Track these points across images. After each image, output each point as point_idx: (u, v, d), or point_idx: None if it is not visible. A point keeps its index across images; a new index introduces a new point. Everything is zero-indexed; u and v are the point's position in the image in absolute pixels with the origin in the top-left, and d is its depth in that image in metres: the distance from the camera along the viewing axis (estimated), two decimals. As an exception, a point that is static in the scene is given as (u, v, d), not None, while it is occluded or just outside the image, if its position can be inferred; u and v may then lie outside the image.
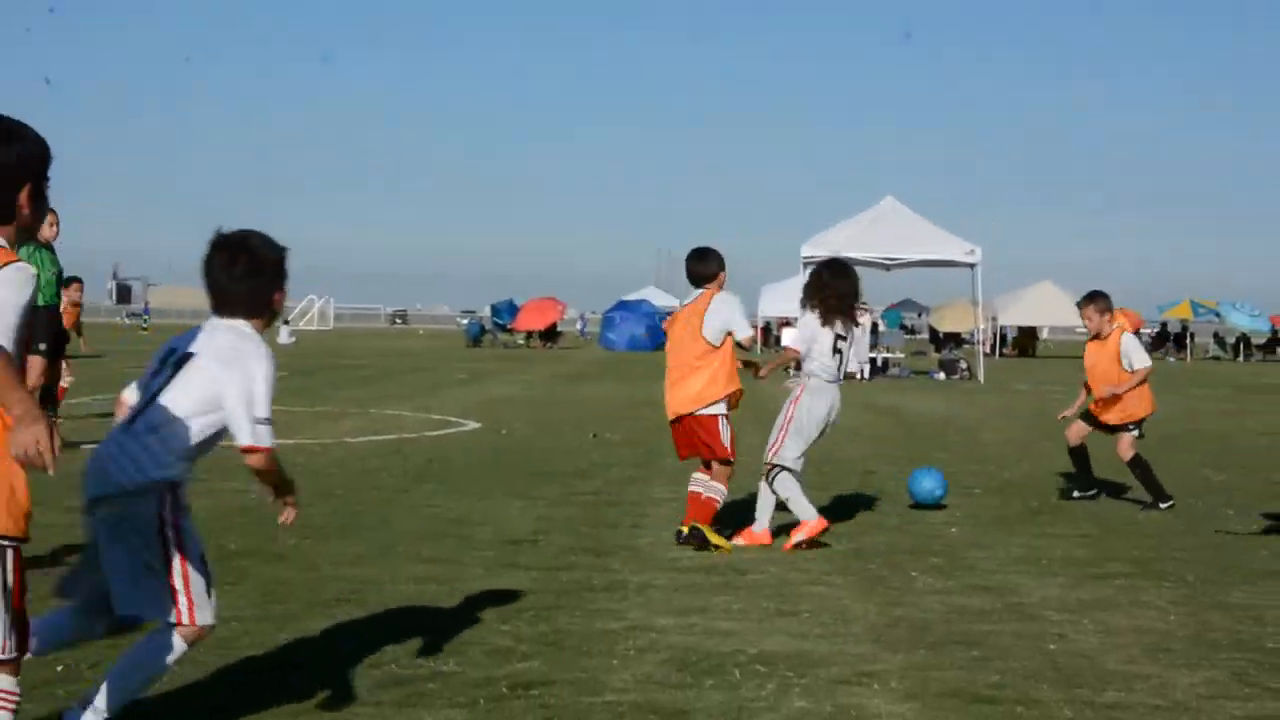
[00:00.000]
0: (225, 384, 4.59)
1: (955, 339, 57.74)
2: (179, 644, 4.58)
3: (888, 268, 36.80)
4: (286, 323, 62.53)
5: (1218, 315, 61.38)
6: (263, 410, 4.59)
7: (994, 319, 59.50)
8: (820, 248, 35.61)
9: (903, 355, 43.53)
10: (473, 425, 18.12)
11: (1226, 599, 7.75)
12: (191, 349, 4.69)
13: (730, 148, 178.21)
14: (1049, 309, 60.55)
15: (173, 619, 4.55)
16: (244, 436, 4.59)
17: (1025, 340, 63.61)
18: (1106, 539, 9.88)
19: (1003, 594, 7.79)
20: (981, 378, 35.44)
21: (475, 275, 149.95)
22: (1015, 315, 62.05)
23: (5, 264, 3.87)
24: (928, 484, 11.04)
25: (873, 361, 37.22)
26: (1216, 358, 60.95)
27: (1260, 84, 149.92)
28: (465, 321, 64.29)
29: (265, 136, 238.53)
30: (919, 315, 77.71)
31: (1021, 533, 10.05)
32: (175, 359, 4.70)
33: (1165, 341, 62.61)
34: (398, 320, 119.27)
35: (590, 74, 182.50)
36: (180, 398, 4.60)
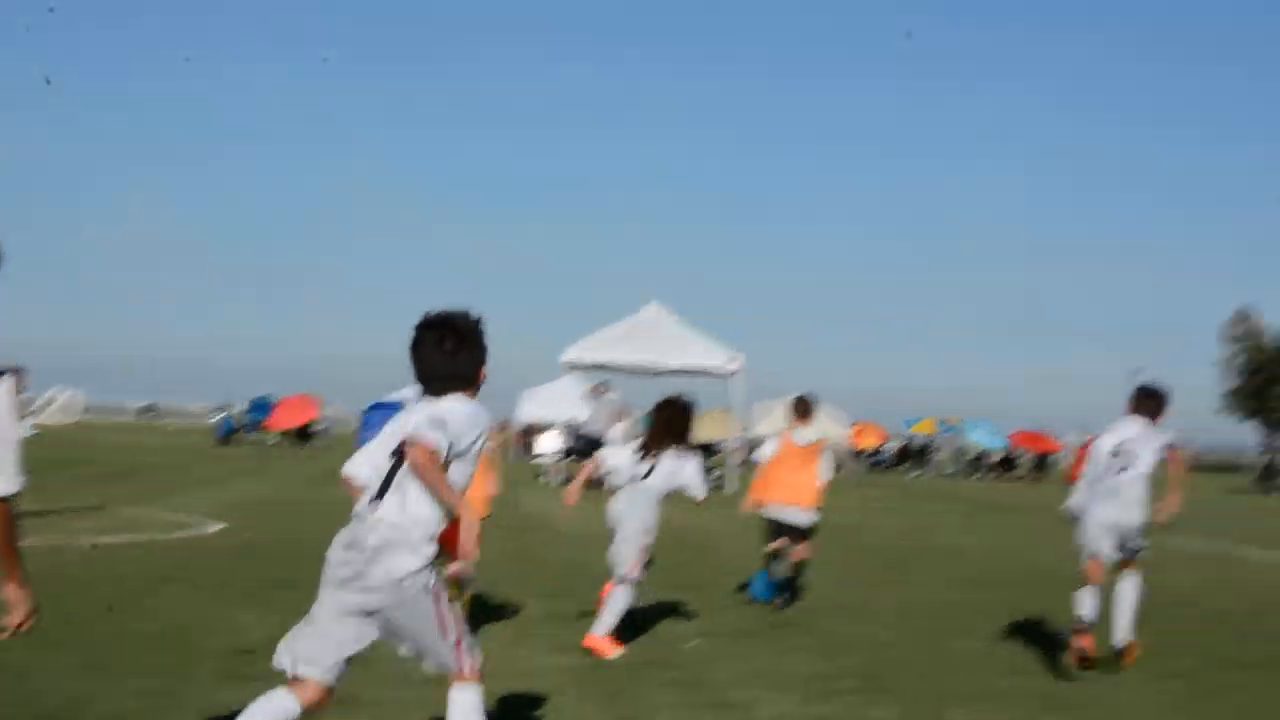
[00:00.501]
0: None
1: (710, 448, 58.49)
2: None
3: (651, 374, 37.08)
4: (25, 416, 59.71)
5: (959, 431, 63.87)
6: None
7: (750, 429, 60.58)
8: (582, 353, 35.93)
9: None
10: (216, 527, 17.59)
11: (944, 716, 8.01)
12: None
13: (492, 248, 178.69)
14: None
15: None
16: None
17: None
18: (839, 654, 10.10)
19: (739, 709, 7.89)
20: (734, 489, 35.94)
21: (238, 367, 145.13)
22: (771, 425, 63.20)
23: None
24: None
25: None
26: (954, 473, 63.21)
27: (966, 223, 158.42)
28: (217, 418, 62.47)
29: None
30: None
31: (760, 646, 10.21)
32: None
33: (908, 456, 64.68)
34: (147, 414, 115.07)
35: (352, 170, 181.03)
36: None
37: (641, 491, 9.93)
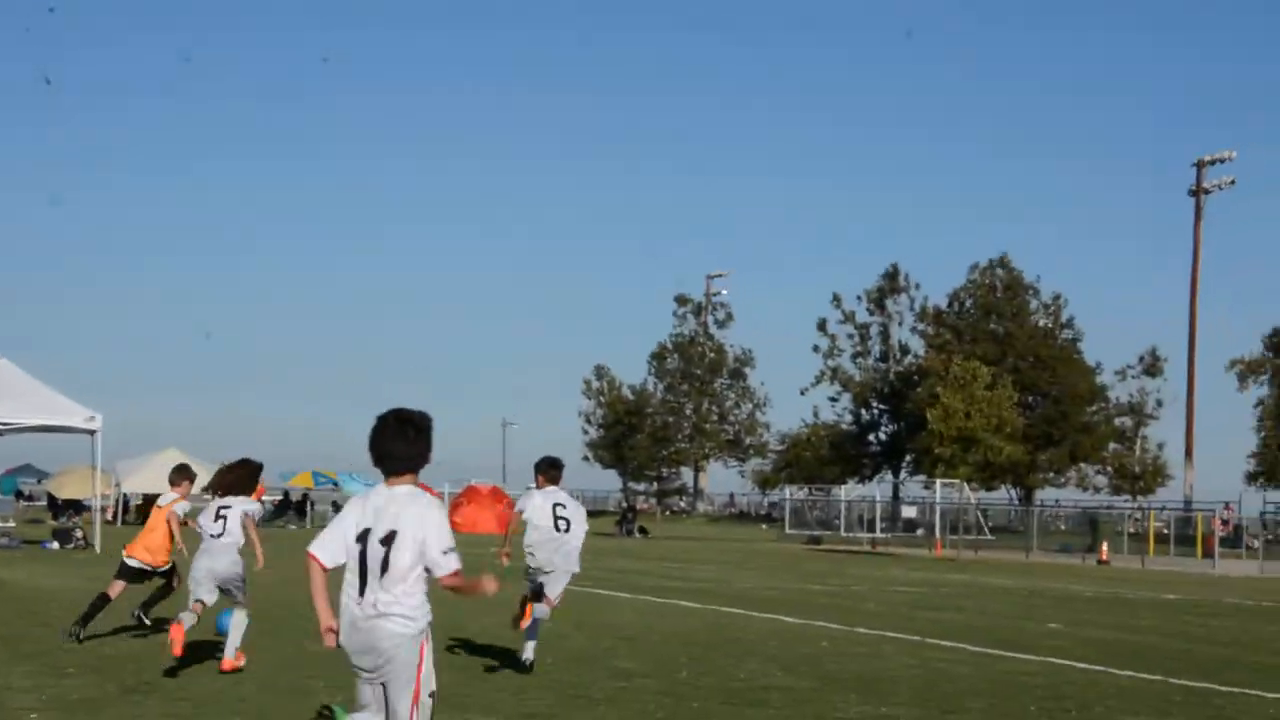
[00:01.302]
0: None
1: (76, 506, 55.47)
2: None
3: (8, 432, 34.83)
4: None
5: (336, 484, 64.17)
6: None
7: (118, 485, 58.02)
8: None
9: (13, 524, 41.21)
10: None
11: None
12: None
13: None
14: (175, 475, 59.99)
15: None
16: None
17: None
18: (198, 715, 9.82)
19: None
20: (98, 546, 34.23)
21: None
22: (139, 482, 60.78)
23: None
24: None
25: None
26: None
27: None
28: None
29: None
30: (38, 481, 74.43)
31: (112, 714, 9.74)
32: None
33: (288, 509, 64.15)
34: None
35: None
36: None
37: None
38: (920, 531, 57.87)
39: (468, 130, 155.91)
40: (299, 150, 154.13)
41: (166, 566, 14.38)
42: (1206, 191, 71.19)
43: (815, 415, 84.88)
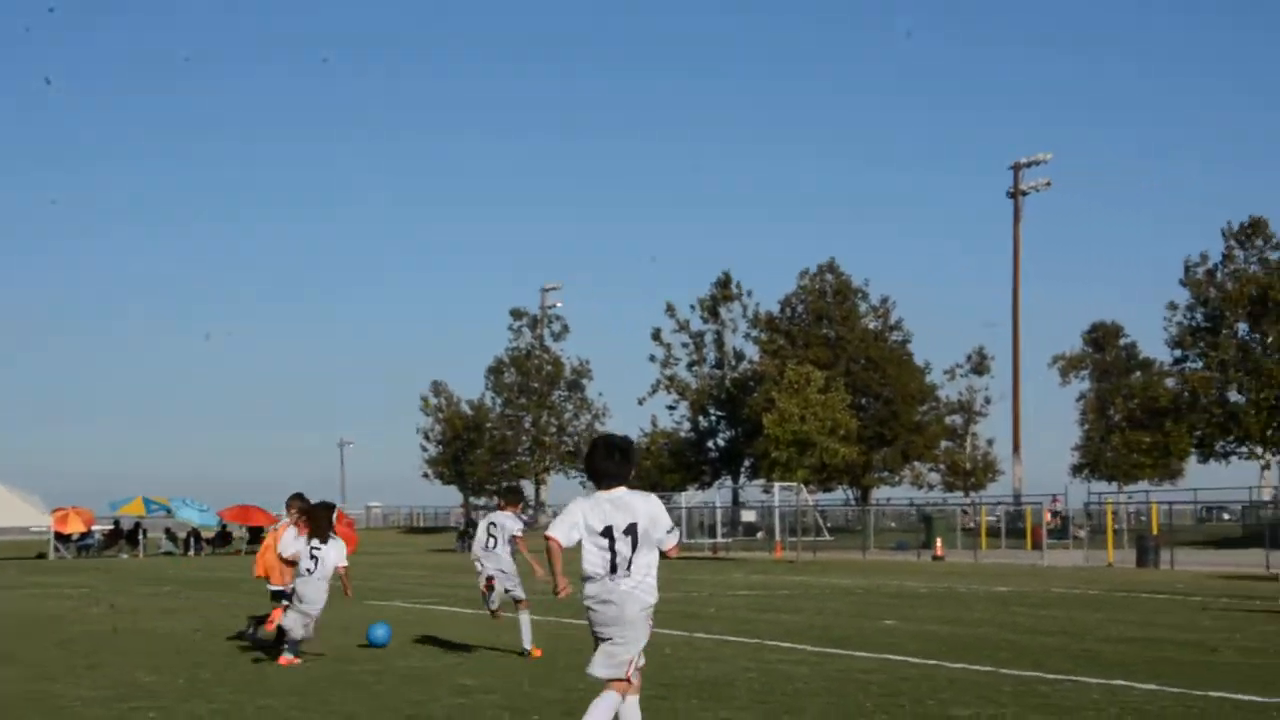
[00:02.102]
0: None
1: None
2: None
3: None
4: None
5: (169, 511, 62.62)
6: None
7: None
8: None
9: None
10: None
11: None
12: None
13: None
14: (-2, 509, 58.11)
15: None
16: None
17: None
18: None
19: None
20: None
21: None
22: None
23: None
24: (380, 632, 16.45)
25: None
26: (170, 553, 61.75)
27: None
28: None
29: None
30: None
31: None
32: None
33: (119, 538, 62.46)
34: None
35: None
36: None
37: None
38: (760, 535, 58.62)
39: (301, 132, 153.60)
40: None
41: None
42: (1024, 193, 73.27)
43: (654, 424, 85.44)
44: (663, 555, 8.11)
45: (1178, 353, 71.40)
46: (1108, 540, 44.68)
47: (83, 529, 60.88)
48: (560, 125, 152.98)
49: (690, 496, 67.80)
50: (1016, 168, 73.54)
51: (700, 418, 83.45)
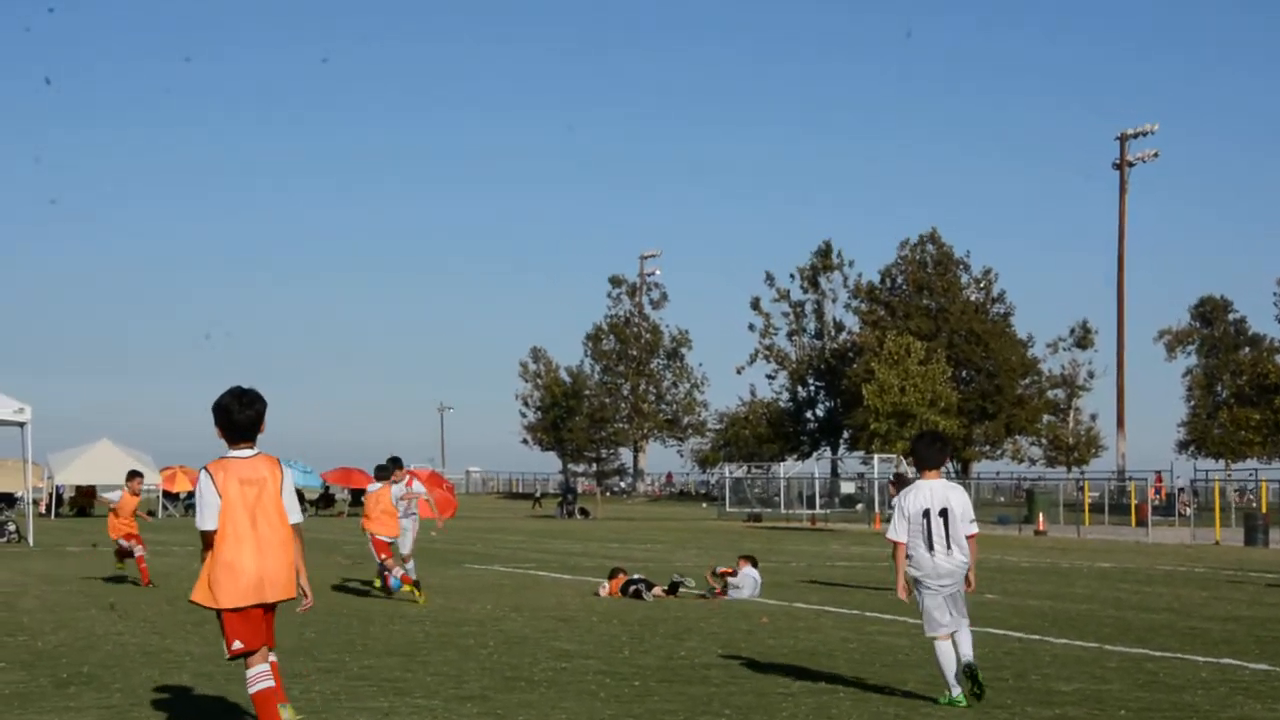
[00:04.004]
0: None
1: (9, 499, 54.75)
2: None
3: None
4: None
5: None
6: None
7: (50, 478, 57.33)
8: None
9: (-55, 519, 40.59)
10: None
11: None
12: None
13: None
14: (107, 467, 59.27)
15: None
16: None
17: (83, 499, 61.76)
18: (132, 708, 9.69)
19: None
20: (31, 540, 33.81)
21: None
22: (73, 474, 60.09)
23: None
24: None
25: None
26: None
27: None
28: None
29: None
30: (-32, 475, 73.23)
31: (45, 707, 9.61)
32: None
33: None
34: None
35: None
36: None
37: None
38: (859, 506, 58.24)
39: (396, 114, 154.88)
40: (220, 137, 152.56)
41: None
42: (1130, 164, 71.95)
43: (752, 393, 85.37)
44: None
45: (1290, 328, 69.86)
46: (1215, 518, 43.88)
47: (190, 488, 62.14)
48: (659, 96, 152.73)
49: (788, 467, 67.59)
50: (1123, 138, 72.20)
51: (799, 388, 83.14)
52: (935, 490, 10.08)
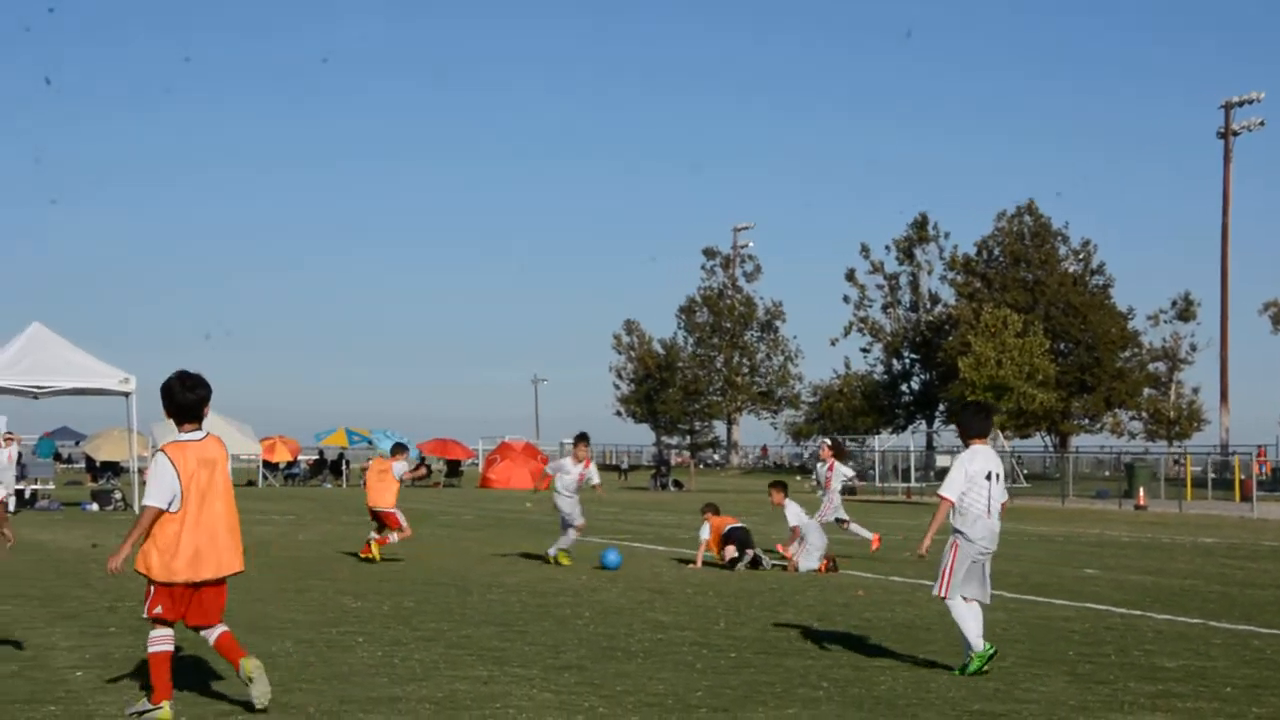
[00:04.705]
0: None
1: (115, 468, 55.92)
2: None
3: (36, 395, 35.14)
4: None
5: (370, 442, 64.32)
6: None
7: (154, 447, 58.43)
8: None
9: (53, 486, 41.66)
10: None
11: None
12: None
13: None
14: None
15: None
16: None
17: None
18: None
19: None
20: (137, 508, 34.47)
21: None
22: (177, 444, 61.25)
23: None
24: (612, 557, 18.93)
25: (20, 494, 35.47)
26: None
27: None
28: None
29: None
30: (76, 444, 75.05)
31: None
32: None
33: (323, 468, 64.41)
34: None
35: None
36: None
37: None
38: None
39: (488, 86, 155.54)
40: (322, 128, 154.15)
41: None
42: (1235, 133, 70.40)
43: (847, 366, 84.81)
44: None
45: (1401, 300, 68.04)
46: (1322, 493, 42.95)
47: (289, 458, 63.07)
48: (751, 71, 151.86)
49: (884, 440, 67.22)
50: (1227, 106, 70.65)
51: (894, 360, 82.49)
52: (990, 456, 10.49)
